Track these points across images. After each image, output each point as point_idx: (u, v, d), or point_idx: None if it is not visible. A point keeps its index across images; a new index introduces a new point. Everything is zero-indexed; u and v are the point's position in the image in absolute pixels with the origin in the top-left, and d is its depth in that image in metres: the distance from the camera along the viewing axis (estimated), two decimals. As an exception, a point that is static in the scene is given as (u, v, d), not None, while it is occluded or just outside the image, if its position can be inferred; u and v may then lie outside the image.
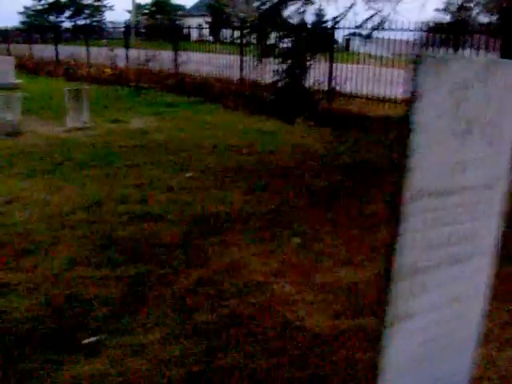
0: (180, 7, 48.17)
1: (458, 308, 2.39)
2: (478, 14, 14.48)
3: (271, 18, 6.42)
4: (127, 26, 16.58)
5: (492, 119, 2.14)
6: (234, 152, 7.45)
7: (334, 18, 7.54)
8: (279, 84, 6.55)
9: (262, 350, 2.96)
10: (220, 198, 5.46)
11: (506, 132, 2.21)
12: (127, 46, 15.19)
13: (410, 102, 1.92)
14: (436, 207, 2.11)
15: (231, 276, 3.81)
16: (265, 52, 7.02)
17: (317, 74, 10.02)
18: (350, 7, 7.06)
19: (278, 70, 6.68)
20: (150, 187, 5.77)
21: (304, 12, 6.84)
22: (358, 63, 11.26)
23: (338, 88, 10.77)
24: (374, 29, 11.89)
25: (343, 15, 7.39)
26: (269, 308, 3.41)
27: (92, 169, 6.38)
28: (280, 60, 6.78)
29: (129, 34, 15.45)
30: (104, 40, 15.85)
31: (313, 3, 6.78)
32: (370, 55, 14.23)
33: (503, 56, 7.37)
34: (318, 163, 7.00)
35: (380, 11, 9.43)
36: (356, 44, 15.37)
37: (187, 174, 6.26)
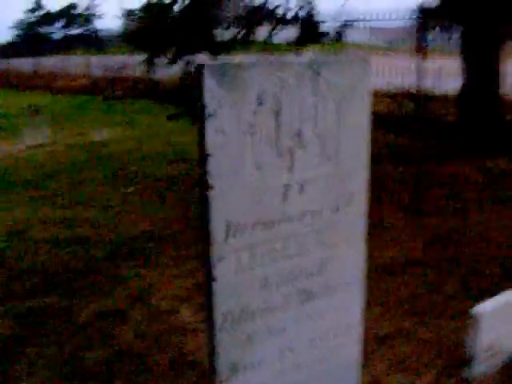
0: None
1: (321, 349, 2.05)
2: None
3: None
4: (95, 33, 16.20)
5: (327, 129, 1.80)
6: (189, 162, 7.14)
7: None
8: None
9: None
10: (153, 214, 5.15)
11: (348, 143, 1.87)
12: (103, 54, 14.93)
13: (198, 120, 1.59)
14: (266, 240, 1.78)
15: (137, 305, 3.51)
16: None
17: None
18: None
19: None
20: (86, 206, 5.48)
21: None
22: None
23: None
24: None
25: None
26: (167, 340, 3.10)
27: (33, 190, 6.10)
28: None
29: (102, 41, 15.16)
30: (80, 49, 15.56)
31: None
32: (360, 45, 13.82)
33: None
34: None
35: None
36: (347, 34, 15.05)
37: (129, 189, 5.96)
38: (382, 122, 8.78)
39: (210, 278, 1.71)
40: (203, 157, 1.60)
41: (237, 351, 1.83)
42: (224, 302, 1.75)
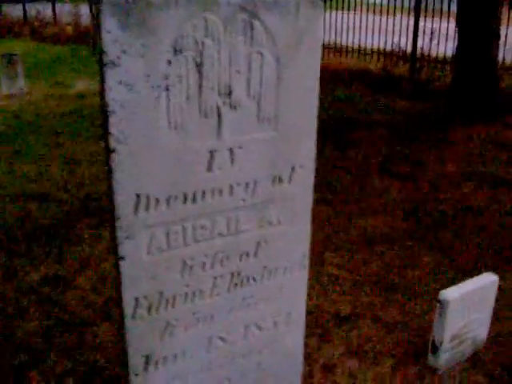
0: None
1: (259, 338, 1.81)
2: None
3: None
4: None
5: (265, 87, 1.51)
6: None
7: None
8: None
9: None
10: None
11: (291, 105, 1.58)
12: (90, 2, 14.32)
13: (101, 70, 1.31)
14: (187, 215, 1.51)
15: (88, 270, 3.27)
16: None
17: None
18: None
19: None
20: (54, 160, 5.19)
21: None
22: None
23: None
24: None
25: None
26: (113, 310, 2.88)
27: (3, 142, 5.80)
28: None
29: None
30: (68, -4, 14.93)
31: None
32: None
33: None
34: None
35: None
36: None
37: (102, 144, 5.65)
38: (373, 81, 8.43)
39: (117, 258, 1.45)
40: (104, 114, 1.32)
41: (153, 340, 1.58)
42: (136, 285, 1.50)
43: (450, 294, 2.37)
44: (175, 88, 1.37)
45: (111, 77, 1.28)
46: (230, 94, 1.45)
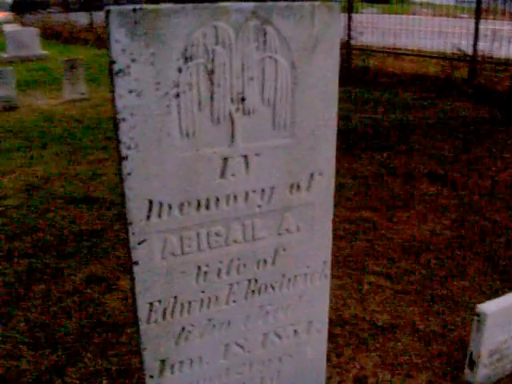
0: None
1: (279, 347, 1.80)
2: None
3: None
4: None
5: (280, 93, 1.50)
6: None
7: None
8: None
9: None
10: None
11: (308, 111, 1.56)
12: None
13: (111, 78, 1.33)
14: (201, 221, 1.52)
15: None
16: None
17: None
18: None
19: None
20: (111, 164, 5.35)
21: None
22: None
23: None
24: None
25: None
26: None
27: (62, 145, 6.05)
28: None
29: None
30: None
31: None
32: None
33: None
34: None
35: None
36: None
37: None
38: (432, 84, 8.23)
39: (131, 262, 1.48)
40: (115, 122, 1.34)
41: (169, 345, 1.60)
42: (150, 290, 1.51)
43: (489, 306, 2.27)
44: (186, 95, 1.38)
45: (121, 85, 1.31)
46: (243, 100, 1.45)
